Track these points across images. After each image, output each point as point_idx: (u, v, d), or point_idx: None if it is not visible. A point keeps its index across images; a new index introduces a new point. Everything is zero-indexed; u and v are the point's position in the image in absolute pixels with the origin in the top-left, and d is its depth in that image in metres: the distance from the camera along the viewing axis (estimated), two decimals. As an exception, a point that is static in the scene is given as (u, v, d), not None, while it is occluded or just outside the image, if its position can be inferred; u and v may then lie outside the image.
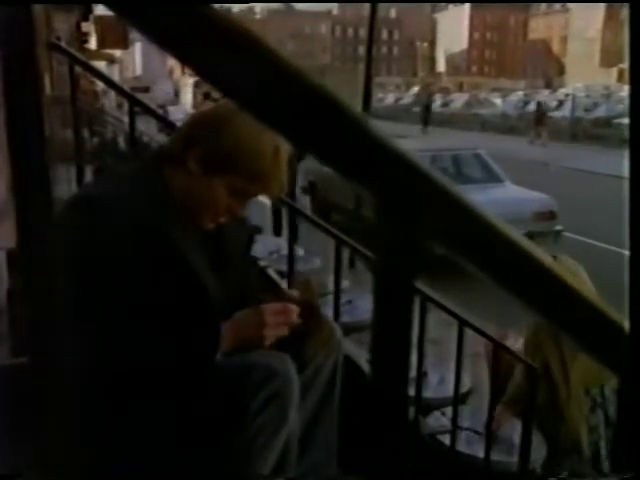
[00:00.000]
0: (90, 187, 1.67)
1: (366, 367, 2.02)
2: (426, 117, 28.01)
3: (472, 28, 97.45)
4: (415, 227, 0.43)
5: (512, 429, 2.24)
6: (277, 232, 6.96)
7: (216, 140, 1.33)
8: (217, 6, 0.36)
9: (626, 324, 0.50)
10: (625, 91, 28.15)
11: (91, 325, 1.17)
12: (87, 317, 1.16)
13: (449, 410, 2.20)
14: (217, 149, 1.33)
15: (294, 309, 1.42)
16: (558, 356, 2.33)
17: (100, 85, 9.55)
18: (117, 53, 21.93)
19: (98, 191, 1.38)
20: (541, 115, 22.68)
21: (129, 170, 1.44)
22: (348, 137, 0.40)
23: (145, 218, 1.28)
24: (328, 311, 2.17)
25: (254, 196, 1.45)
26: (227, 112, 1.34)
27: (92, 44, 16.24)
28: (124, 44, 16.73)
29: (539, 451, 2.20)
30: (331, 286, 2.52)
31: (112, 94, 12.52)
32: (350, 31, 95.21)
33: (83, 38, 15.12)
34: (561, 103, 27.52)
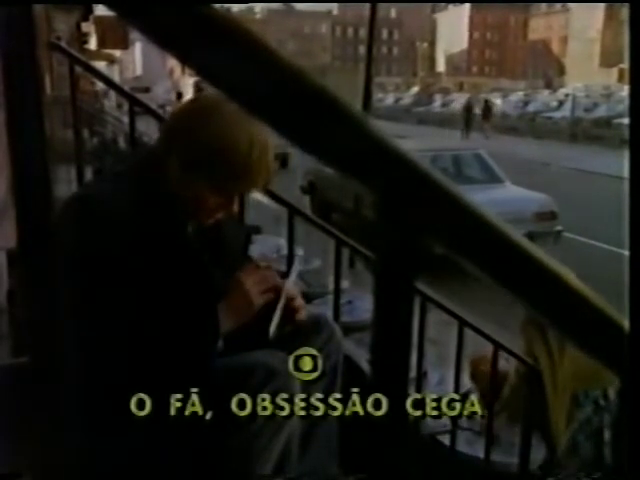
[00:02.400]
0: (87, 187, 1.69)
1: (366, 367, 2.02)
2: (468, 120, 23.96)
3: (472, 28, 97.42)
4: (415, 227, 0.43)
5: (511, 430, 2.24)
6: None
7: (191, 140, 1.32)
8: (217, 6, 0.36)
9: (626, 324, 0.50)
10: (625, 91, 28.14)
11: (91, 323, 1.18)
12: (87, 316, 1.16)
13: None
14: (193, 149, 1.32)
15: (272, 272, 1.44)
16: (546, 354, 2.33)
17: (100, 85, 9.56)
18: (117, 53, 21.93)
19: (94, 190, 1.40)
20: (486, 111, 25.01)
21: (126, 169, 1.45)
22: (349, 137, 0.40)
23: (141, 216, 1.29)
24: (328, 311, 2.17)
25: (240, 192, 1.44)
26: (200, 111, 1.34)
27: (92, 44, 16.26)
28: (124, 44, 16.73)
29: (538, 451, 2.20)
30: (331, 286, 2.52)
31: (112, 94, 12.53)
32: (350, 31, 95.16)
33: (83, 38, 15.14)
34: (561, 103, 27.58)
